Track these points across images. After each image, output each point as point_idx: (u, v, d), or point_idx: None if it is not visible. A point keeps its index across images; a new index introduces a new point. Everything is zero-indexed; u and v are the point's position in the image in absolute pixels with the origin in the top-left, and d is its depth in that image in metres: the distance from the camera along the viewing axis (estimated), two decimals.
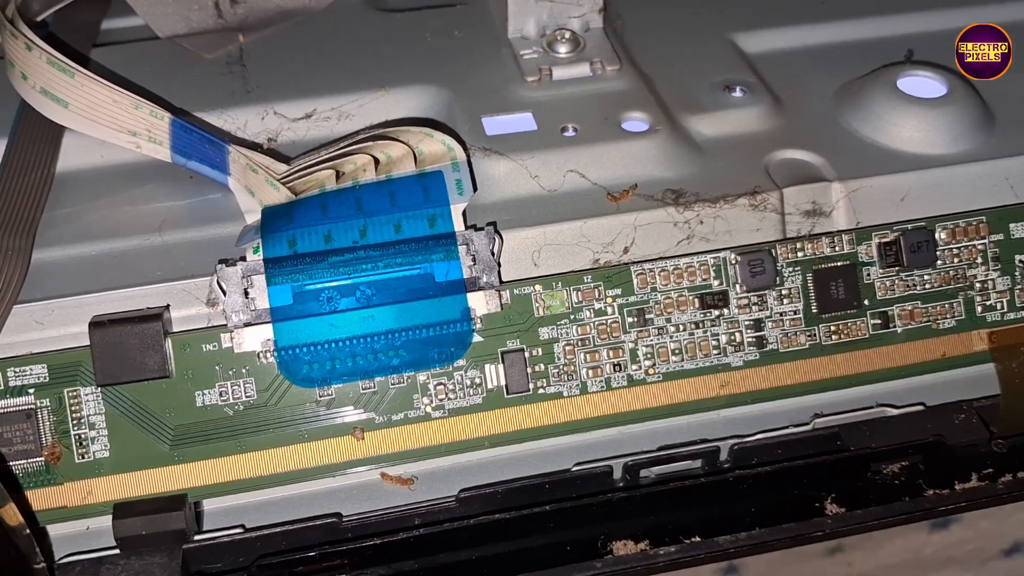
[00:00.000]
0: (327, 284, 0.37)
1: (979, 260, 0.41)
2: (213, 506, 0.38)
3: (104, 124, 0.40)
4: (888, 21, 0.50)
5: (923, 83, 0.45)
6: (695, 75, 0.46)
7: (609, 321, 0.39)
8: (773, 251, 0.39)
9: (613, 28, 0.49)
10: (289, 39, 0.49)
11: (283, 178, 0.40)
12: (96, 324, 0.36)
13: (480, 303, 0.37)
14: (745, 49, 0.48)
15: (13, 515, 0.32)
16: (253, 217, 0.39)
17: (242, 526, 0.37)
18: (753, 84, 0.45)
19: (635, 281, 0.39)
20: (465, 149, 0.40)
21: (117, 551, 0.36)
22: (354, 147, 0.40)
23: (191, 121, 0.41)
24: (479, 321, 0.38)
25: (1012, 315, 0.41)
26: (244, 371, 0.37)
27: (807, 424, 0.40)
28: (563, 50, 0.47)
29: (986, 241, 0.41)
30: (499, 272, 0.38)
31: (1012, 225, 0.41)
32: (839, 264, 0.40)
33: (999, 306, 0.41)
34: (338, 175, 0.39)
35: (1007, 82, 0.46)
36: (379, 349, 0.37)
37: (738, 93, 0.45)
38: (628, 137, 0.42)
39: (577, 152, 0.42)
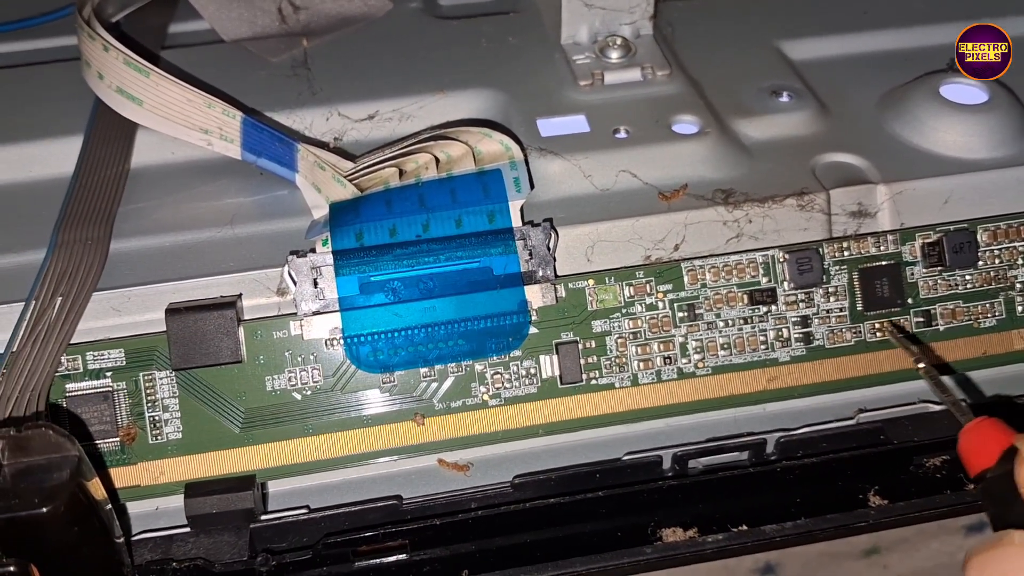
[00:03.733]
0: (392, 276, 0.38)
1: (1020, 261, 0.42)
2: (276, 488, 0.40)
3: (177, 122, 0.42)
4: (930, 30, 0.51)
5: (965, 90, 0.46)
6: (743, 80, 0.47)
7: (660, 315, 0.40)
8: (820, 250, 0.40)
9: (663, 35, 0.50)
10: (351, 44, 0.51)
11: (349, 175, 0.41)
12: (172, 311, 0.38)
13: (536, 296, 0.39)
14: (791, 56, 0.50)
15: (98, 489, 0.34)
16: (320, 212, 0.41)
17: (307, 507, 0.38)
18: (799, 90, 0.47)
19: (686, 277, 0.40)
20: (522, 149, 0.42)
21: (187, 529, 0.37)
22: (416, 146, 0.42)
23: (259, 120, 0.42)
24: (535, 313, 0.39)
25: None
26: (312, 357, 0.38)
27: (851, 418, 0.41)
28: (615, 55, 0.48)
29: None
30: (555, 266, 0.39)
31: None
32: (884, 263, 0.41)
33: None
34: (401, 173, 0.41)
35: None
36: (440, 338, 0.38)
37: (785, 98, 0.46)
38: (678, 139, 0.44)
39: (629, 153, 0.43)
